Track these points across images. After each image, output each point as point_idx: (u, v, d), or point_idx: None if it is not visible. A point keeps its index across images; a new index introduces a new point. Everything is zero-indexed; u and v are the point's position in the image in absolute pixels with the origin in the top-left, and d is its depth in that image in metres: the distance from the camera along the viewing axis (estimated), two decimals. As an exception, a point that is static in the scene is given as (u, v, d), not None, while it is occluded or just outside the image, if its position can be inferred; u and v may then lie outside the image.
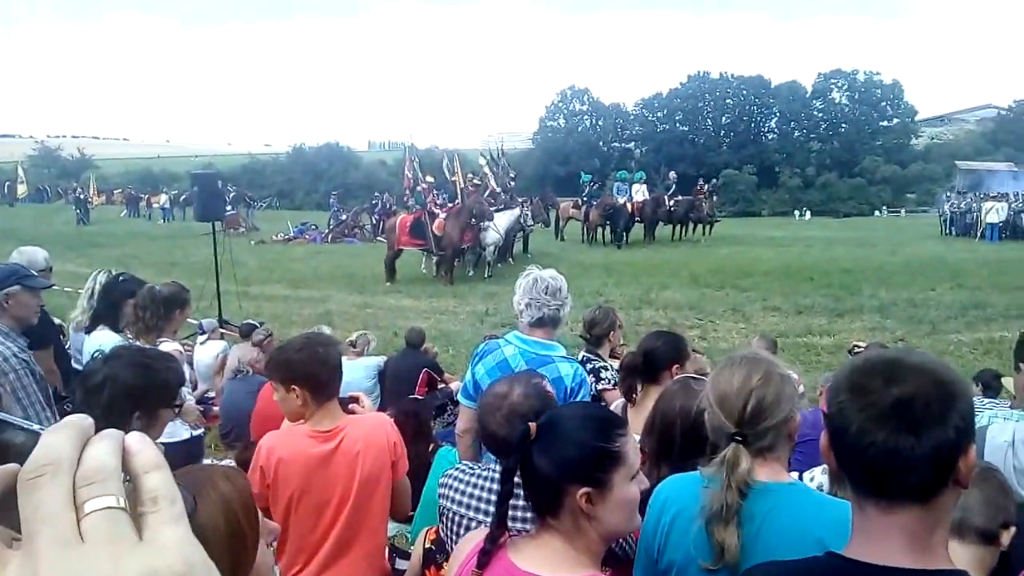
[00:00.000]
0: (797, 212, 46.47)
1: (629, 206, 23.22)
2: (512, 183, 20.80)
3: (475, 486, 2.12)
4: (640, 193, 24.13)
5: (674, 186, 26.14)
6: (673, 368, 2.91)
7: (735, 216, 42.80)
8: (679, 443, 2.05)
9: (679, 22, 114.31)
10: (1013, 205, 26.14)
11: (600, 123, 61.57)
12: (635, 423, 1.73)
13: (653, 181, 27.55)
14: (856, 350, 6.58)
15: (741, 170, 51.92)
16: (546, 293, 2.87)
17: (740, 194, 50.17)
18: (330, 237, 27.02)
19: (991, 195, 28.21)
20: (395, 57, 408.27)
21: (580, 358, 3.68)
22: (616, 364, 4.49)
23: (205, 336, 6.79)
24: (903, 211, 46.40)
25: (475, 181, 18.75)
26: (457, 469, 2.23)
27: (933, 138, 57.69)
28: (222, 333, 7.60)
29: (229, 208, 23.60)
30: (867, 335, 9.81)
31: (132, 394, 2.11)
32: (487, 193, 18.49)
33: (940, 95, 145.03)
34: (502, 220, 16.91)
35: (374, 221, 27.67)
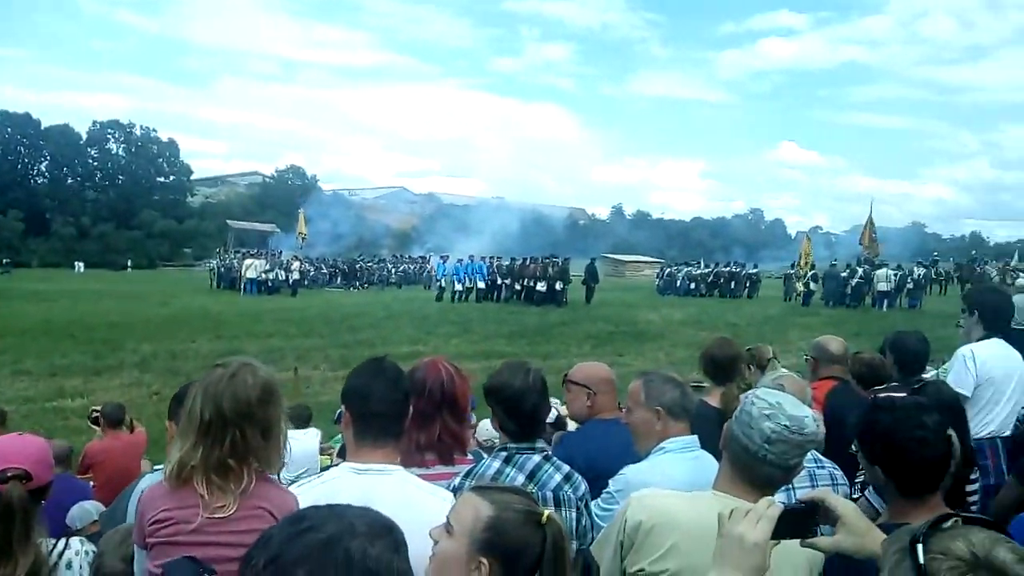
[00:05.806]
0: (78, 264, 44.02)
1: None
2: None
3: None
4: None
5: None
6: None
7: (-1, 268, 37.37)
8: None
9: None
10: (271, 261, 29.72)
11: None
12: None
13: None
14: (95, 415, 6.60)
15: (7, 215, 46.85)
16: None
17: (6, 242, 45.07)
18: None
19: (251, 253, 31.88)
20: None
21: None
22: None
23: None
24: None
25: None
26: None
27: (208, 197, 62.00)
28: None
29: None
30: (124, 392, 9.91)
31: None
32: None
33: (216, 158, 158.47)
34: None
35: None
